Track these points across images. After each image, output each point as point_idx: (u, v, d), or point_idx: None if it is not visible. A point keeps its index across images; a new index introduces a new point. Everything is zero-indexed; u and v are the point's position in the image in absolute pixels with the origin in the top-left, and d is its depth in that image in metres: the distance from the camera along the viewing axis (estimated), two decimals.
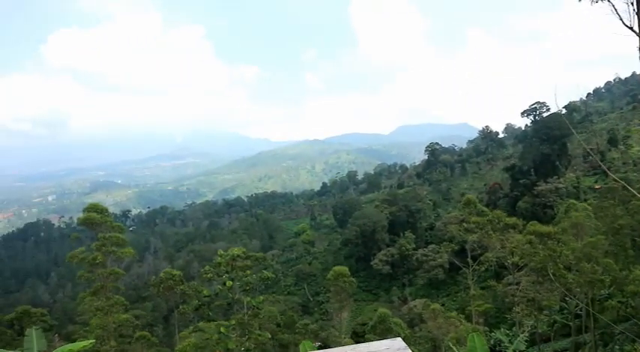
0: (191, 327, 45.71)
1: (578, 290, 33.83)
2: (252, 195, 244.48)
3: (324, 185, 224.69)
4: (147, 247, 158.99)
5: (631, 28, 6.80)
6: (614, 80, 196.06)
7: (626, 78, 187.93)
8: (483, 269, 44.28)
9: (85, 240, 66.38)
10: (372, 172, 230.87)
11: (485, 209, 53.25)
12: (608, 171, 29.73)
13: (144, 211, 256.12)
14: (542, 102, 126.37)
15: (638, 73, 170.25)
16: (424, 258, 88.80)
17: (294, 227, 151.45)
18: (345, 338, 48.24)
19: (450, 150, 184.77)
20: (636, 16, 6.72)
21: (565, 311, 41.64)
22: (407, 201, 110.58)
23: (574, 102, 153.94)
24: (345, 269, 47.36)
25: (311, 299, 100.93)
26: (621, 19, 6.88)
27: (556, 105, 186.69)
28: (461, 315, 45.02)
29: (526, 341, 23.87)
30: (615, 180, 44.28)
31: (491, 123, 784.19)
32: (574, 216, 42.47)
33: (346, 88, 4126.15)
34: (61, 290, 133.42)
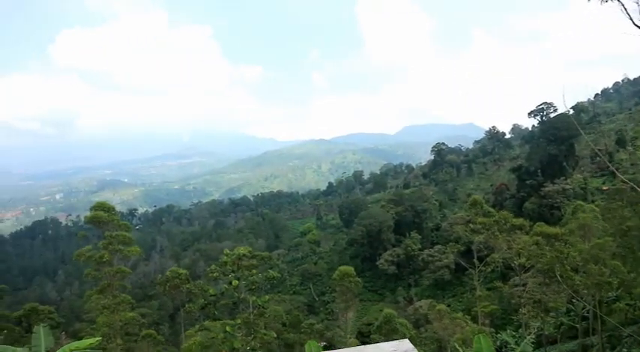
0: (197, 326, 45.81)
1: (586, 292, 33.58)
2: (258, 195, 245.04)
3: (330, 185, 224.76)
4: (153, 246, 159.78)
5: None
6: (623, 80, 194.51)
7: (634, 78, 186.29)
8: (489, 270, 44.11)
9: (92, 239, 66.79)
10: (378, 172, 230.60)
11: (491, 210, 53.08)
12: (616, 172, 29.52)
13: (150, 210, 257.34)
14: (550, 103, 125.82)
15: None
16: (430, 258, 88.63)
17: (300, 226, 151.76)
18: (350, 338, 48.27)
19: (456, 151, 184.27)
20: None
21: (572, 314, 41.33)
22: (413, 202, 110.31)
23: (582, 102, 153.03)
24: (350, 269, 47.35)
25: (316, 298, 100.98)
26: (631, 19, 6.84)
27: (564, 105, 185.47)
28: (467, 316, 44.93)
29: (533, 342, 23.75)
30: (624, 181, 43.89)
31: (497, 123, 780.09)
32: (581, 217, 42.19)
33: (352, 87, 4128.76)
34: (69, 288, 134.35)
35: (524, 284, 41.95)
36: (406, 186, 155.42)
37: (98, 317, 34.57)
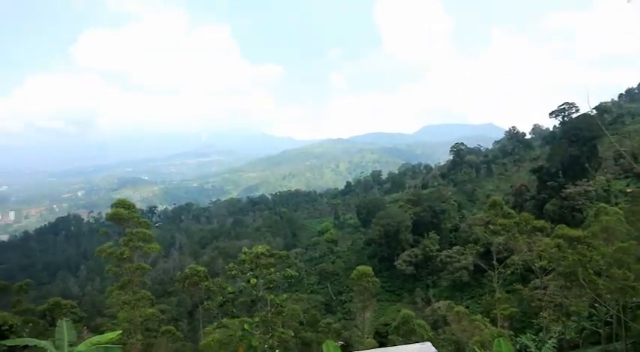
0: (215, 323, 46.25)
1: (609, 296, 32.90)
2: (276, 193, 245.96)
3: (348, 184, 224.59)
4: (172, 243, 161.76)
5: None
6: None
7: None
8: (509, 272, 43.47)
9: (113, 235, 67.95)
10: (397, 172, 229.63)
11: (511, 211, 52.35)
12: None
13: (170, 207, 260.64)
14: (572, 103, 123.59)
15: None
16: (448, 259, 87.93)
17: (318, 225, 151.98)
18: (367, 338, 48.15)
19: (475, 151, 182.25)
20: None
21: (594, 318, 40.54)
22: (431, 202, 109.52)
23: (605, 103, 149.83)
24: (368, 269, 47.25)
25: (334, 298, 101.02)
26: None
27: (588, 105, 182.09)
28: (485, 319, 44.37)
29: (554, 347, 23.40)
30: None
31: (517, 123, 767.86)
32: (604, 220, 41.28)
33: (370, 87, 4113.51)
34: (90, 284, 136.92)
35: (544, 287, 41.27)
36: (424, 186, 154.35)
37: (119, 312, 35.14)
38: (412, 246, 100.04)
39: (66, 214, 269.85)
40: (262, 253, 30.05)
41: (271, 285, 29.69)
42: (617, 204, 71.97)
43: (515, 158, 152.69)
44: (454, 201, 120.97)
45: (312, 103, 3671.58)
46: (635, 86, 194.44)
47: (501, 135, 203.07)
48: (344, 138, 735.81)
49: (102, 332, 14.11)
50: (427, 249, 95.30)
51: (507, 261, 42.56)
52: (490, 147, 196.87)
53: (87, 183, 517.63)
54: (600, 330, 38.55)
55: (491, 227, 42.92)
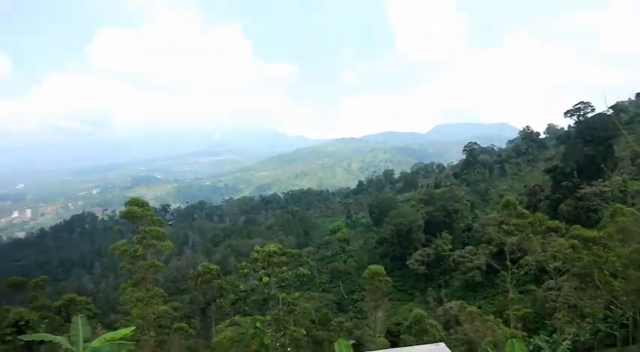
0: (227, 321, 46.51)
1: (625, 298, 32.45)
2: (288, 192, 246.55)
3: (361, 183, 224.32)
4: (185, 241, 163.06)
5: None
6: None
7: None
8: (522, 272, 43.11)
9: (127, 233, 68.52)
10: (409, 171, 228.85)
11: (525, 211, 51.86)
12: None
13: (183, 206, 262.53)
14: (587, 103, 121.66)
15: None
16: (461, 259, 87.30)
17: (330, 224, 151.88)
18: (379, 337, 48.00)
19: (488, 150, 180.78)
20: None
21: (610, 320, 40.02)
22: (444, 201, 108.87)
23: (622, 102, 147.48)
24: (380, 268, 47.06)
25: (346, 297, 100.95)
26: None
27: (604, 104, 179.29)
28: (498, 319, 43.99)
29: (568, 349, 23.14)
30: None
31: (531, 123, 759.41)
32: (621, 220, 40.65)
33: (383, 86, 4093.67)
34: (104, 280, 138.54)
35: (559, 288, 40.82)
36: (437, 185, 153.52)
37: (132, 309, 35.49)
38: (424, 246, 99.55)
39: (81, 212, 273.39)
40: (274, 252, 30.17)
41: (283, 284, 29.80)
42: (633, 204, 70.75)
43: (529, 158, 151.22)
44: (467, 200, 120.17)
45: (324, 102, 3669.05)
46: None
47: (515, 135, 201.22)
48: (356, 137, 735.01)
49: (116, 329, 14.28)
50: (439, 248, 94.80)
51: (521, 261, 42.19)
52: (504, 146, 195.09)
53: (101, 182, 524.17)
54: (616, 332, 38.07)
55: (505, 227, 42.61)
